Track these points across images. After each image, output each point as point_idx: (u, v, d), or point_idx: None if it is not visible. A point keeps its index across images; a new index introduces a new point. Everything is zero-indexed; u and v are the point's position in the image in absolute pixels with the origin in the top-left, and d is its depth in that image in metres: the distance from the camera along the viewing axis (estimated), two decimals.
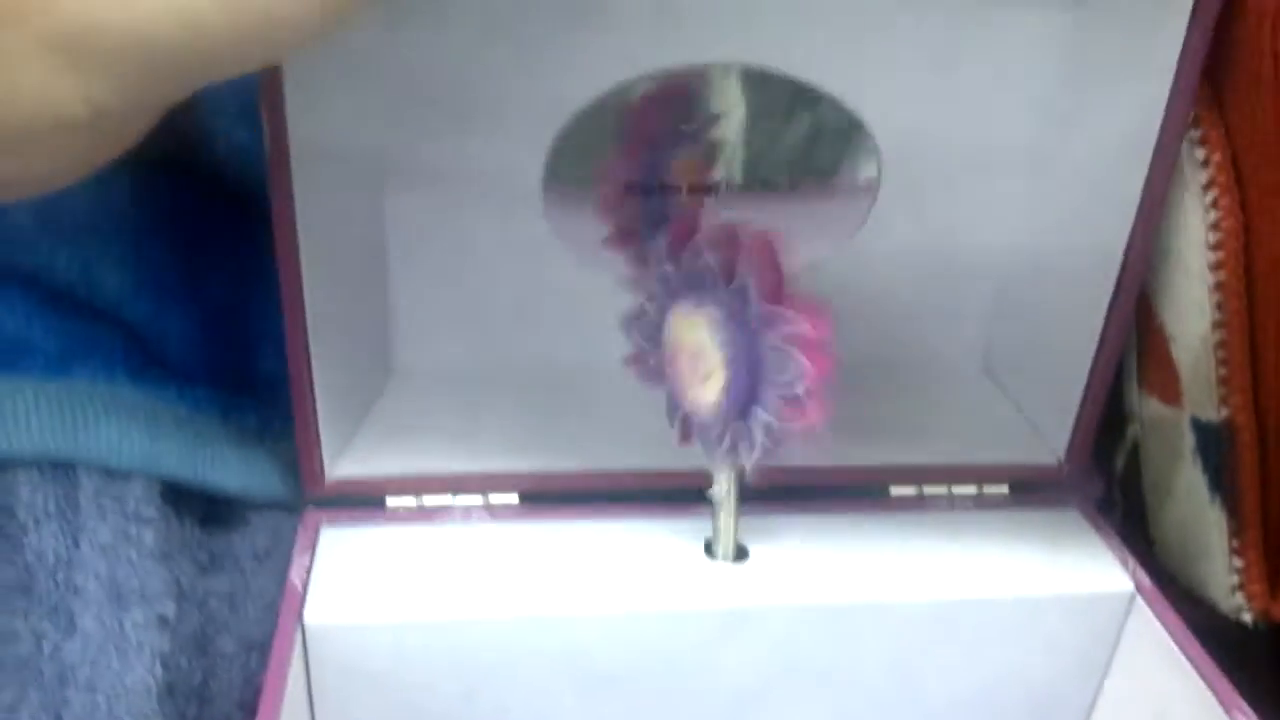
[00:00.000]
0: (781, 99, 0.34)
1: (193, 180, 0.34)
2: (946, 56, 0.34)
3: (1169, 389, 0.33)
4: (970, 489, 0.35)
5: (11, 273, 0.31)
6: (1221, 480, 0.33)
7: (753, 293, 0.27)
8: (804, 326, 0.26)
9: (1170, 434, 0.34)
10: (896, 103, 0.34)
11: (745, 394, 0.28)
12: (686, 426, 0.31)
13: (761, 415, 0.28)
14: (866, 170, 0.35)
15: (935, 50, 0.33)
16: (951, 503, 0.35)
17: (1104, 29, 0.32)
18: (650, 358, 0.30)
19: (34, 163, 0.22)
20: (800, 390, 0.27)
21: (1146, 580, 0.32)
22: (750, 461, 0.29)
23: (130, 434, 0.31)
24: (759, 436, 0.28)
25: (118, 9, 0.19)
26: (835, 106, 0.34)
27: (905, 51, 0.33)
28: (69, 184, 0.24)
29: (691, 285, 0.28)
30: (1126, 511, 0.37)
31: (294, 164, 0.28)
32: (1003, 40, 0.33)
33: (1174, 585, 0.35)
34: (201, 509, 0.33)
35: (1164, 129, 0.30)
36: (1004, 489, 0.35)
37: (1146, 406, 0.35)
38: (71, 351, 0.31)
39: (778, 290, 0.27)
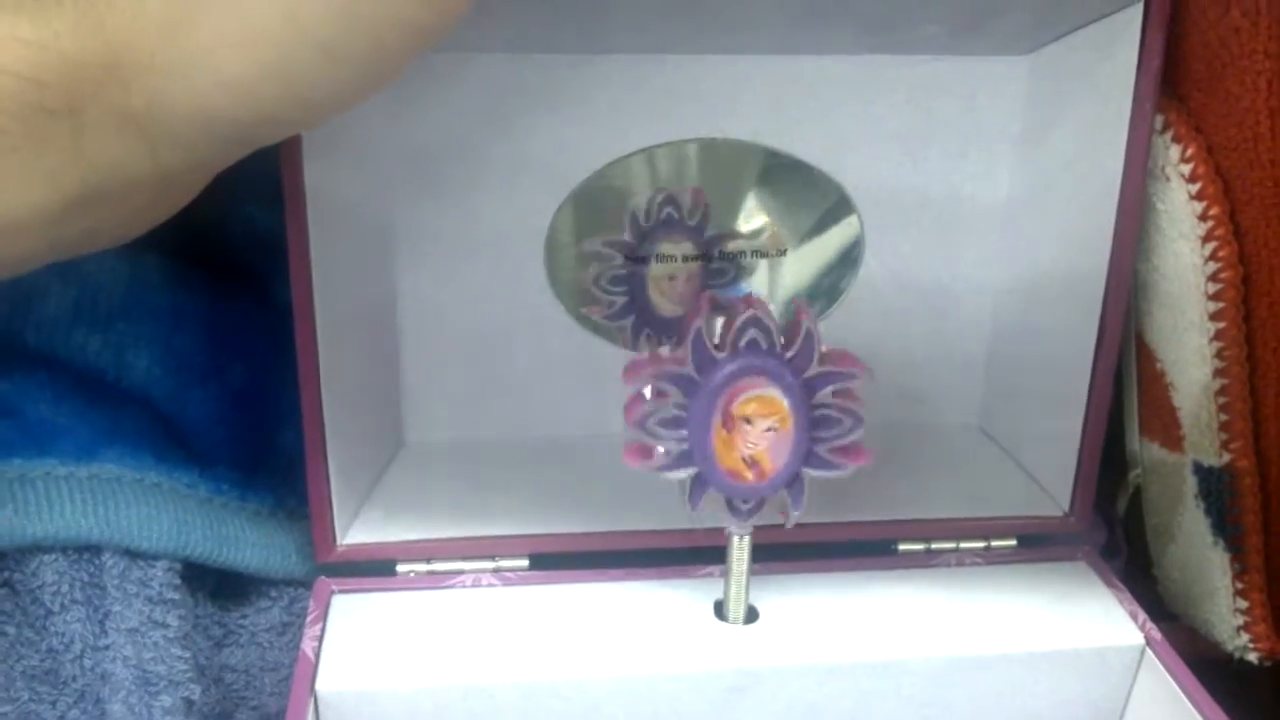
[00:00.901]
0: (766, 169, 0.35)
1: (216, 268, 0.36)
2: (916, 117, 0.35)
3: (1170, 435, 0.34)
4: (978, 544, 0.35)
5: (43, 360, 0.32)
6: (1224, 523, 0.33)
7: (813, 356, 0.28)
8: (855, 380, 0.28)
9: (1172, 479, 0.34)
10: (874, 167, 0.35)
11: (800, 457, 0.29)
12: (709, 505, 0.30)
13: (815, 473, 0.29)
14: (850, 234, 0.36)
15: (905, 112, 0.35)
16: (960, 558, 0.35)
17: (1059, 67, 0.34)
18: (670, 448, 0.29)
19: (108, 217, 0.25)
20: (857, 435, 0.29)
21: (1157, 633, 0.32)
22: (797, 516, 0.30)
23: (156, 518, 0.31)
24: (804, 494, 0.30)
25: (180, 88, 0.22)
26: (817, 175, 0.35)
27: (878, 117, 0.35)
28: (136, 236, 0.27)
29: (755, 360, 0.28)
30: (1130, 555, 0.37)
31: (312, 244, 0.29)
32: (967, 91, 0.35)
33: (1177, 622, 0.34)
34: (213, 583, 0.34)
35: (1127, 165, 0.31)
36: (1012, 542, 0.35)
37: (1148, 452, 0.35)
38: (100, 437, 0.32)
39: (819, 352, 0.28)
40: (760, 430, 0.29)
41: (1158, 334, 0.33)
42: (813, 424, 0.29)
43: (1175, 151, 0.31)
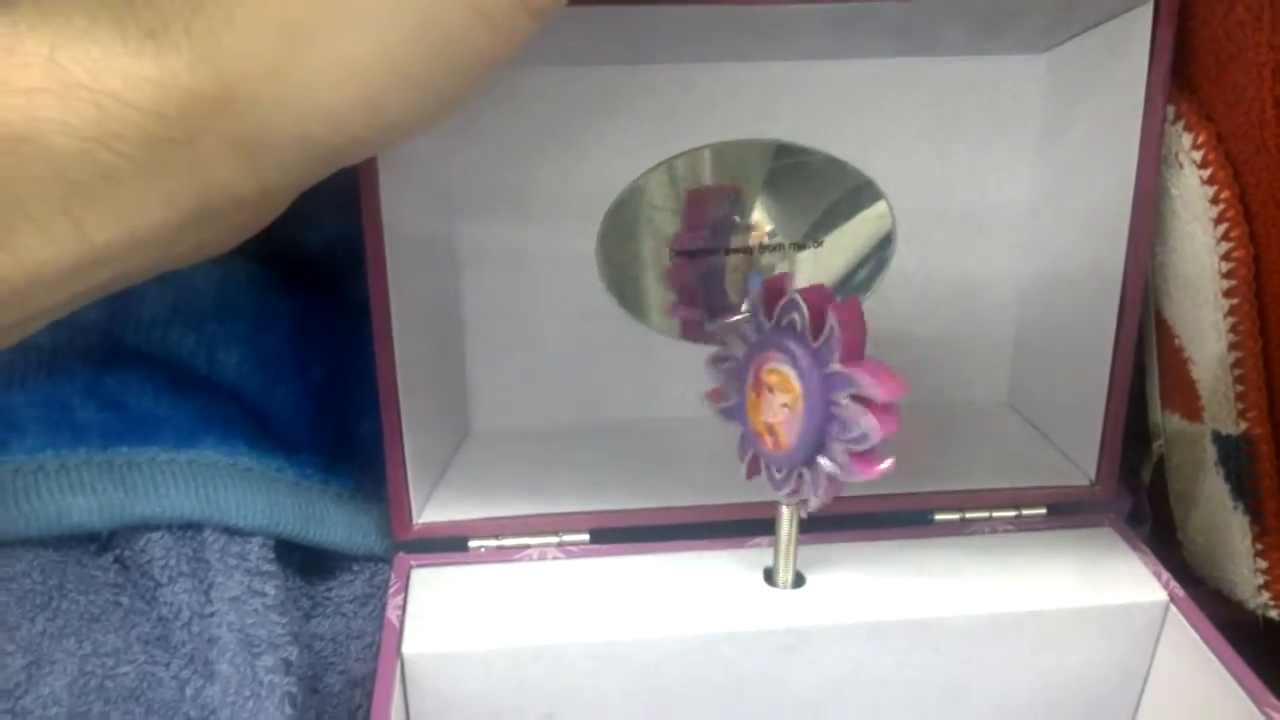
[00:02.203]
0: (803, 168, 0.37)
1: (297, 271, 0.39)
2: (942, 115, 0.37)
3: (1190, 406, 0.35)
4: (1010, 513, 0.37)
5: (142, 357, 0.35)
6: (1243, 488, 0.34)
7: (835, 353, 0.29)
8: (877, 390, 0.28)
9: (1193, 448, 0.36)
10: (903, 163, 0.37)
11: (813, 443, 0.30)
12: (755, 464, 0.33)
13: (827, 465, 0.30)
14: (883, 226, 0.38)
15: (931, 111, 0.37)
16: (993, 526, 0.37)
17: (1075, 64, 0.35)
18: (730, 396, 0.33)
19: (213, 233, 0.28)
20: (867, 446, 0.29)
21: (1179, 590, 0.34)
22: (813, 504, 0.31)
23: (250, 499, 0.34)
24: (822, 483, 0.31)
25: (283, 118, 0.25)
26: (850, 171, 0.37)
27: (906, 116, 0.37)
28: (231, 248, 0.30)
29: (782, 338, 0.30)
30: (1155, 521, 0.39)
31: (386, 249, 0.31)
32: (989, 89, 0.37)
33: (1204, 587, 0.36)
34: (300, 559, 0.36)
35: (1142, 154, 0.33)
36: (1042, 511, 0.37)
37: (1169, 423, 0.37)
38: (198, 425, 0.34)
39: (857, 352, 0.29)
40: (777, 403, 0.31)
41: (1176, 311, 0.35)
42: (828, 418, 0.30)
43: (1187, 139, 0.32)
